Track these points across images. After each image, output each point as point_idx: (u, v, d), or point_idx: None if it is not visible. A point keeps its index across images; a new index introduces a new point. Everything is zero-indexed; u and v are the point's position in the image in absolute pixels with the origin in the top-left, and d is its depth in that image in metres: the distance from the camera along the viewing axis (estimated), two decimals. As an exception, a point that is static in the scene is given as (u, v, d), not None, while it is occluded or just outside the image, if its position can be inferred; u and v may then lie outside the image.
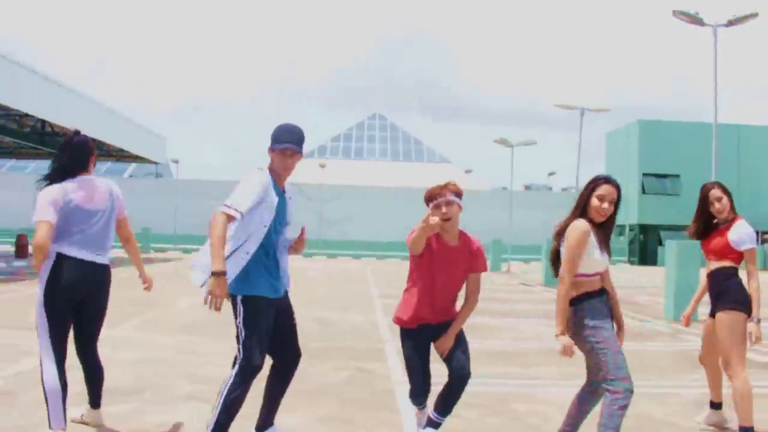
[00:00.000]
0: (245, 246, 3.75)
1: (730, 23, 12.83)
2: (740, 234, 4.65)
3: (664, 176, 41.42)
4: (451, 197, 3.96)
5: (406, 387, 4.32)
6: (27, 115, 19.67)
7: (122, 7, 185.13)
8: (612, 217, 3.90)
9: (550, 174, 59.81)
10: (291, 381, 4.13)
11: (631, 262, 44.00)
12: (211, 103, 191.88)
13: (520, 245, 39.59)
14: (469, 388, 5.78)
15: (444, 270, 4.06)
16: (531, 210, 47.24)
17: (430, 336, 4.10)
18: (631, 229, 43.74)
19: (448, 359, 4.06)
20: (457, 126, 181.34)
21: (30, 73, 18.26)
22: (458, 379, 4.02)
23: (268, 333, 3.84)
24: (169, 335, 8.37)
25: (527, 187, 68.72)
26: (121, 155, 29.13)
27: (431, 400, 4.18)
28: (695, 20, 12.68)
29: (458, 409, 5.24)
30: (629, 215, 42.43)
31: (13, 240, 28.28)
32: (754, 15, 14.07)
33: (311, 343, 8.21)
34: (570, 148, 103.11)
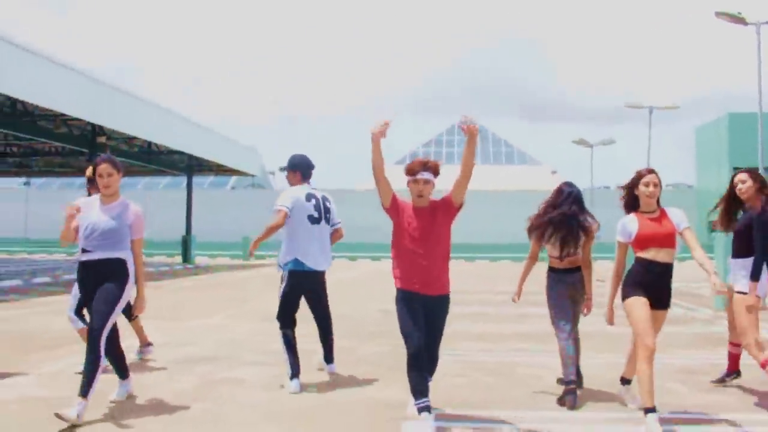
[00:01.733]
0: None
1: (774, 21, 13.23)
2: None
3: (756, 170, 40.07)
4: (428, 175, 4.73)
5: None
6: (136, 137, 22.11)
7: (216, 25, 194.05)
8: None
9: (634, 172, 58.65)
10: None
11: (723, 258, 42.60)
12: (307, 114, 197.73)
13: (603, 243, 38.92)
14: (487, 357, 7.13)
15: (424, 227, 4.76)
16: (613, 209, 46.53)
17: (423, 304, 4.82)
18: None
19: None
20: (552, 127, 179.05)
21: (138, 101, 20.63)
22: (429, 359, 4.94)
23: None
24: (249, 323, 9.89)
25: (626, 187, 66.26)
26: (219, 170, 31.55)
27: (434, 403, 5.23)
28: (738, 20, 13.03)
29: (466, 370, 6.47)
30: (722, 210, 41.30)
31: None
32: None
33: (371, 327, 9.62)
34: (677, 142, 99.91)
